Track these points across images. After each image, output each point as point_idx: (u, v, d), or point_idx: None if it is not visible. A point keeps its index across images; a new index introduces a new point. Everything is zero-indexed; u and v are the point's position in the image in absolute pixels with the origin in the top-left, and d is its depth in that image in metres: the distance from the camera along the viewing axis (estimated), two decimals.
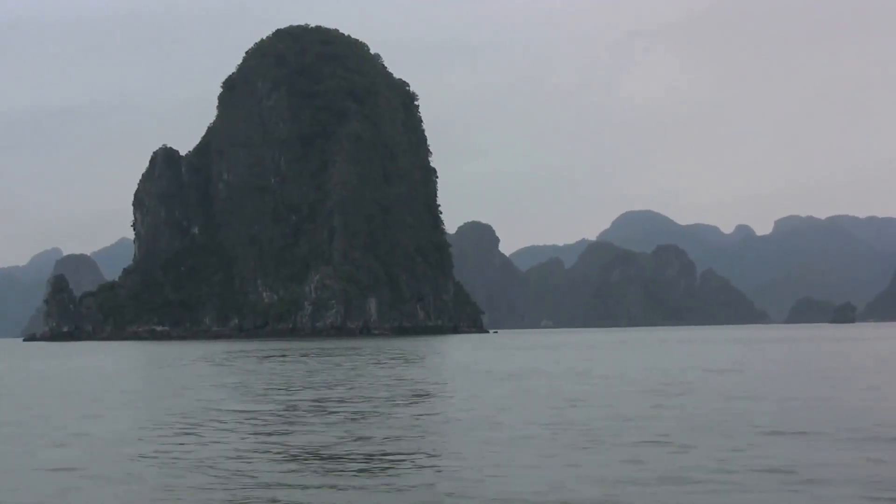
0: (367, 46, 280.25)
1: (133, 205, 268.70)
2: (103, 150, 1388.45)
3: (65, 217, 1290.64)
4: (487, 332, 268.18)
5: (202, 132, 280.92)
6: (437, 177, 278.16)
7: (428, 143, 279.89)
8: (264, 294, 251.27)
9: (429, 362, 70.45)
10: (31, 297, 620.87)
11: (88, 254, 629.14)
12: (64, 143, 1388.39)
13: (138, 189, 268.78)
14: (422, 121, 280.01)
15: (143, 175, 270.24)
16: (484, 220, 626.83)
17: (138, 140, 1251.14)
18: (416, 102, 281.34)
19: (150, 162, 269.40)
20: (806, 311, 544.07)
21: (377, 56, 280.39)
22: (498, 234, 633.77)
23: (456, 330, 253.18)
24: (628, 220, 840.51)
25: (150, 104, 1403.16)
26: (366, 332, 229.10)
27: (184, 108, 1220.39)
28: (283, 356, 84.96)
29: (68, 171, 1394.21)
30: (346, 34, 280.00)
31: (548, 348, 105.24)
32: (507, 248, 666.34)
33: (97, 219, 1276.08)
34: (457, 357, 79.93)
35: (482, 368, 56.93)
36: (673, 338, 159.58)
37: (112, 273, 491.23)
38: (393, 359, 74.76)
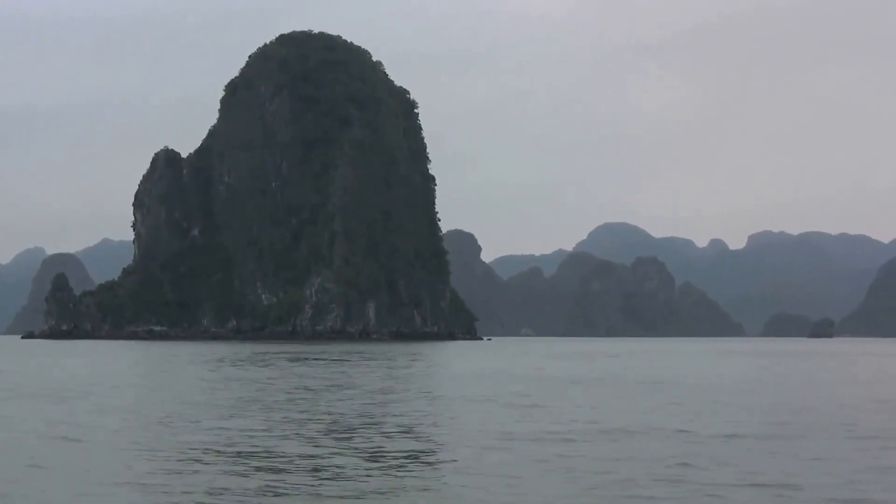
0: (369, 54, 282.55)
1: (133, 205, 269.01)
2: (94, 150, 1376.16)
3: (49, 216, 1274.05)
4: (481, 339, 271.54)
5: (202, 134, 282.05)
6: (435, 184, 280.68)
7: (427, 150, 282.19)
8: (263, 296, 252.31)
9: (492, 367, 72.15)
10: (14, 295, 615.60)
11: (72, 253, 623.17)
12: (55, 142, 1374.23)
13: (139, 190, 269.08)
14: (421, 128, 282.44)
15: (143, 176, 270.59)
16: (465, 229, 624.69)
17: (130, 141, 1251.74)
18: (416, 110, 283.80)
19: (152, 163, 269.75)
20: (781, 325, 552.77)
21: (379, 63, 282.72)
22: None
23: (452, 336, 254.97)
24: (605, 232, 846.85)
25: (142, 105, 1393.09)
26: (364, 336, 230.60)
27: (182, 110, 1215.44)
28: (333, 360, 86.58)
29: (58, 170, 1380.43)
30: (349, 41, 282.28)
31: (586, 357, 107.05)
32: (484, 256, 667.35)
33: (80, 219, 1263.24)
34: (528, 365, 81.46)
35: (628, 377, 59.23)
36: (685, 349, 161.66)
37: (96, 273, 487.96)
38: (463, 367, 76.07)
